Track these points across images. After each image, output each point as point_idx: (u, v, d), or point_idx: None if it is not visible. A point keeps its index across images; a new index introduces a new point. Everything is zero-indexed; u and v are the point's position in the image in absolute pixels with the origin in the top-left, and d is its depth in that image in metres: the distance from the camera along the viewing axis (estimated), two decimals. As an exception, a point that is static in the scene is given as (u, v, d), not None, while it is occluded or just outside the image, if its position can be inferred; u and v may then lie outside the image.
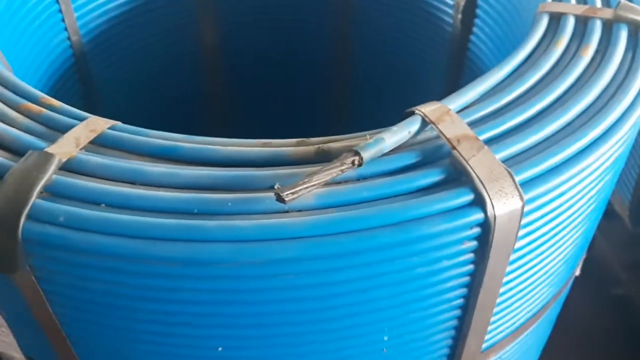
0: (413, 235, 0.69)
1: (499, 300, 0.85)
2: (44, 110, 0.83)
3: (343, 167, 0.70)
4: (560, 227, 0.85)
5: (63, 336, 0.82)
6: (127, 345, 0.82)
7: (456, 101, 0.82)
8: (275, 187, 0.71)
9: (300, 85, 1.96)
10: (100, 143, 0.79)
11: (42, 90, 1.35)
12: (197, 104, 1.93)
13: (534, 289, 0.93)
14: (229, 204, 0.69)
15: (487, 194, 0.71)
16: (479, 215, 0.71)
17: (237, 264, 0.66)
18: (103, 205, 0.70)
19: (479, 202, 0.71)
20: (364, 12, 1.79)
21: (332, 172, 0.68)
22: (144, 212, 0.69)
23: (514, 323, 0.97)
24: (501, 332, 0.96)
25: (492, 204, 0.71)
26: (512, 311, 0.93)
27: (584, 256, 1.15)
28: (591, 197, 0.88)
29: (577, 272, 1.17)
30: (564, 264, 0.98)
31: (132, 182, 0.73)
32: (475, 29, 1.50)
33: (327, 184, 0.69)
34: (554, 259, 0.91)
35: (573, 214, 0.85)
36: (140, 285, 0.70)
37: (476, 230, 0.73)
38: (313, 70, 1.93)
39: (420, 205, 0.69)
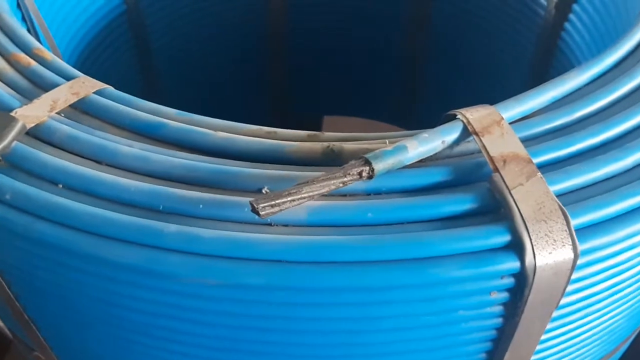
0: (425, 278, 0.54)
1: (534, 358, 0.69)
2: (32, 62, 0.73)
3: (346, 179, 0.55)
4: (625, 284, 0.66)
5: (26, 319, 0.74)
6: (83, 333, 0.72)
7: (513, 108, 0.65)
8: (264, 190, 0.58)
9: (370, 71, 1.80)
10: (80, 108, 0.68)
11: (92, 53, 1.30)
12: (258, 78, 1.81)
13: (581, 348, 0.75)
14: (201, 205, 0.56)
15: (529, 237, 0.54)
16: (513, 264, 0.55)
17: (194, 282, 0.54)
18: (61, 185, 0.59)
19: (516, 247, 0.55)
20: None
21: (330, 183, 0.54)
22: (102, 200, 0.58)
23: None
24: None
25: (533, 251, 0.54)
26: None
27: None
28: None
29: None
30: (626, 321, 0.79)
31: (98, 161, 0.61)
32: (571, 16, 1.28)
33: (328, 195, 0.55)
34: (611, 318, 0.73)
35: (647, 269, 0.67)
36: (86, 282, 0.59)
37: (508, 280, 0.56)
38: (385, 56, 1.76)
39: (440, 239, 0.54)
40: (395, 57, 1.75)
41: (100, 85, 0.70)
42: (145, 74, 1.55)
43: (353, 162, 0.56)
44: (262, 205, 0.51)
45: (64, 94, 0.68)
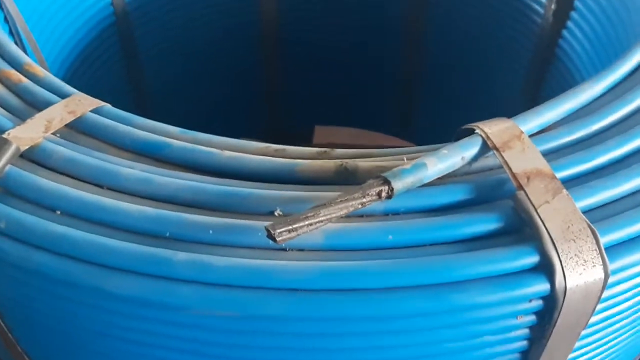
0: (450, 304, 0.51)
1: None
2: (23, 79, 0.69)
3: (365, 200, 0.52)
4: (651, 300, 0.64)
5: (19, 351, 0.69)
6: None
7: (531, 121, 0.62)
8: (276, 213, 0.55)
9: (363, 78, 1.77)
10: (77, 128, 0.64)
11: (82, 65, 1.26)
12: (250, 80, 1.78)
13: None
14: (210, 231, 0.53)
15: (559, 258, 0.52)
16: (543, 286, 0.52)
17: (206, 314, 0.50)
18: (59, 212, 0.56)
19: (545, 268, 0.52)
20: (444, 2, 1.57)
21: (348, 205, 0.51)
22: (104, 227, 0.54)
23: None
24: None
25: (563, 272, 0.52)
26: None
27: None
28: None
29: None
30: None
31: (99, 185, 0.58)
32: (569, 23, 1.27)
33: (342, 217, 0.52)
34: (633, 334, 0.70)
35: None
36: (88, 316, 0.55)
37: (537, 303, 0.54)
38: (378, 62, 1.74)
39: (465, 263, 0.51)
40: (391, 67, 1.73)
41: (97, 102, 0.67)
42: (135, 85, 1.51)
43: (371, 181, 0.53)
44: (278, 230, 0.48)
45: (59, 113, 0.64)
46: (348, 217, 0.53)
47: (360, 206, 0.52)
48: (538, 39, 1.36)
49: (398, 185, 0.53)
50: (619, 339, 0.67)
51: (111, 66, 1.42)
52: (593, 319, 0.58)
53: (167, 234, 0.53)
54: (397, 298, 0.50)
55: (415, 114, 1.85)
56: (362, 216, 0.56)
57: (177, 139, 0.62)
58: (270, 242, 0.51)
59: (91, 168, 0.58)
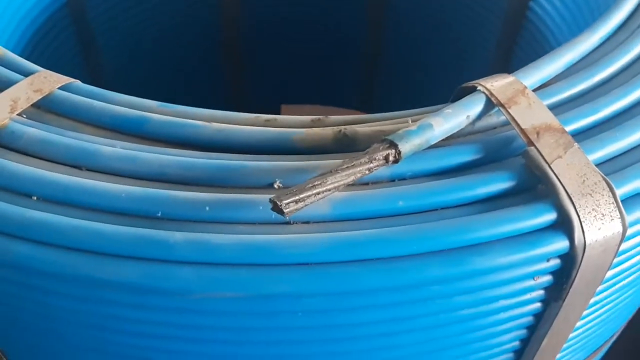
0: (467, 268, 0.48)
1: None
2: (-19, 58, 0.63)
3: (372, 165, 0.48)
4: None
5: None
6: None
7: (533, 76, 0.60)
8: (275, 185, 0.51)
9: (327, 54, 1.73)
10: (46, 107, 0.59)
11: (33, 49, 1.18)
12: (211, 67, 1.72)
13: (605, 324, 0.71)
14: (207, 207, 0.48)
15: (577, 213, 0.49)
16: (561, 244, 0.50)
17: (209, 296, 0.46)
18: (35, 198, 0.50)
19: (563, 225, 0.50)
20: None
21: (355, 171, 0.47)
22: (87, 211, 0.49)
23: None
24: (558, 372, 0.75)
25: (582, 228, 0.49)
26: (575, 350, 0.72)
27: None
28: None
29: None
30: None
31: (77, 166, 0.53)
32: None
33: (348, 185, 0.48)
34: (636, 288, 0.69)
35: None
36: (77, 309, 0.50)
37: (555, 262, 0.51)
38: (342, 37, 1.69)
39: (482, 224, 0.48)
40: (355, 40, 1.69)
41: (65, 79, 0.61)
42: (91, 69, 1.44)
43: (376, 145, 0.50)
44: (285, 201, 0.44)
45: (25, 92, 0.58)
46: (353, 185, 0.50)
47: (367, 172, 0.49)
48: (508, 3, 1.34)
49: (405, 147, 0.50)
50: (625, 294, 0.66)
51: (66, 51, 1.34)
52: (607, 274, 0.56)
53: (159, 214, 0.48)
54: (414, 266, 0.47)
55: (381, 88, 1.82)
56: (367, 184, 0.52)
57: (156, 113, 0.57)
58: (274, 215, 0.48)
59: (67, 148, 0.53)
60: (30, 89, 0.59)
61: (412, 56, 1.67)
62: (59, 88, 0.59)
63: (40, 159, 0.53)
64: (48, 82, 0.60)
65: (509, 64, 1.36)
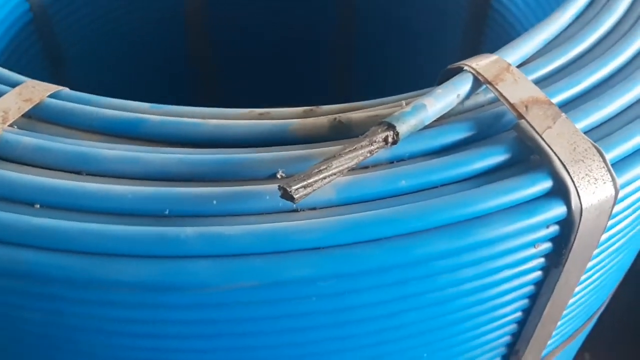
0: (472, 240, 0.49)
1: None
2: (-37, 72, 0.62)
3: (373, 148, 0.50)
4: (645, 215, 0.66)
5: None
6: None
7: (513, 54, 0.62)
8: (278, 175, 0.52)
9: (297, 49, 1.74)
10: (37, 116, 0.58)
11: (2, 66, 1.16)
12: (180, 73, 1.71)
13: (600, 287, 0.74)
14: (214, 201, 0.49)
15: (571, 179, 0.51)
16: (559, 210, 0.52)
17: (226, 288, 0.47)
18: (37, 205, 0.50)
19: (560, 192, 0.52)
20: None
21: (358, 154, 0.49)
22: (93, 215, 0.49)
23: (572, 329, 0.79)
24: (555, 342, 0.78)
25: (577, 193, 0.51)
26: (574, 317, 0.74)
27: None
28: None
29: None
30: (633, 253, 0.79)
31: (77, 172, 0.52)
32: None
33: (350, 169, 0.49)
34: (628, 251, 0.72)
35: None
36: (90, 315, 0.50)
37: (554, 229, 0.53)
38: (312, 37, 1.71)
39: (484, 196, 0.50)
40: (325, 39, 1.70)
41: (54, 87, 0.61)
42: (60, 84, 1.42)
43: (375, 128, 0.51)
44: (294, 187, 0.45)
45: (15, 102, 0.58)
46: (354, 170, 0.51)
47: (368, 154, 0.50)
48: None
49: (403, 128, 0.51)
50: (617, 257, 0.69)
51: (34, 67, 1.32)
52: (602, 238, 0.58)
53: (167, 212, 0.49)
54: (421, 241, 0.48)
55: (353, 84, 1.84)
56: (367, 167, 0.53)
57: (150, 114, 0.58)
58: (281, 204, 0.49)
59: (67, 154, 0.52)
60: (20, 98, 0.58)
61: (383, 54, 1.70)
62: (49, 96, 0.59)
63: (39, 167, 0.53)
64: (37, 91, 0.59)
65: (479, 51, 1.39)
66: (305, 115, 0.58)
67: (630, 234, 0.66)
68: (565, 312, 0.68)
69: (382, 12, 1.60)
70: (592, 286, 0.68)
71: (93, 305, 0.49)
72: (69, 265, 0.46)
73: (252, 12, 1.66)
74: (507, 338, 0.67)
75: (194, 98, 1.77)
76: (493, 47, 1.35)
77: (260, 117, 0.58)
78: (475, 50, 1.43)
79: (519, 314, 0.63)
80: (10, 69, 1.17)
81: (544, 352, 0.77)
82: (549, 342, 0.74)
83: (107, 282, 0.46)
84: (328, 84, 1.84)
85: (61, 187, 0.50)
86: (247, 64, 1.76)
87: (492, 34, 1.35)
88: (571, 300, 0.66)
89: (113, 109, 0.58)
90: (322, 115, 0.58)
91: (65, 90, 0.61)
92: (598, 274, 0.67)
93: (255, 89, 1.82)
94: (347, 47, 1.71)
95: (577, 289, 0.66)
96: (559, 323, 0.70)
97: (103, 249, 0.46)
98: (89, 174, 0.52)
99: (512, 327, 0.65)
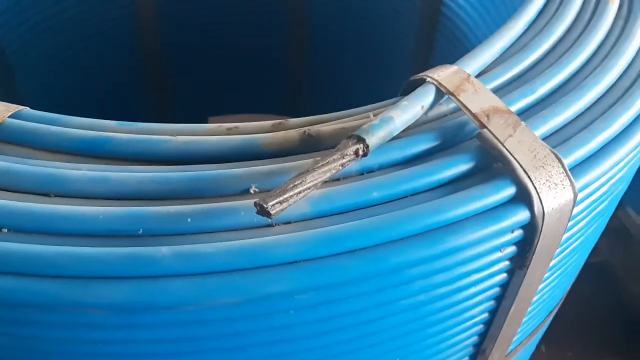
0: (443, 247, 0.51)
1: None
2: None
3: (344, 161, 0.51)
4: (600, 215, 0.69)
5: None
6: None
7: (472, 64, 0.64)
8: (251, 190, 0.52)
9: (250, 61, 1.74)
10: (-1, 138, 0.57)
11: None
12: (133, 90, 1.68)
13: (559, 285, 0.77)
14: (188, 219, 0.49)
15: (533, 185, 0.54)
16: (523, 215, 0.54)
17: (204, 306, 0.47)
18: (5, 230, 0.49)
19: (523, 197, 0.54)
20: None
21: (330, 167, 0.49)
22: (64, 237, 0.48)
23: (534, 325, 0.82)
24: (518, 339, 0.81)
25: (539, 198, 0.54)
26: (535, 314, 0.77)
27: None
28: (627, 174, 0.72)
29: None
30: (588, 251, 0.83)
31: (45, 194, 0.51)
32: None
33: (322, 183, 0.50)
34: (584, 250, 0.76)
35: (613, 198, 0.70)
36: (65, 339, 0.49)
37: (518, 233, 0.55)
38: (264, 45, 1.71)
39: (452, 204, 0.52)
40: (276, 48, 1.71)
41: (14, 107, 0.59)
42: (9, 99, 1.38)
43: (345, 141, 0.52)
44: (271, 203, 0.45)
45: (-27, 124, 0.56)
46: (326, 183, 0.52)
47: (340, 167, 0.51)
48: (422, 1, 1.40)
49: (372, 140, 0.52)
50: (576, 255, 0.72)
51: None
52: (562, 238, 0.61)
53: (140, 231, 0.48)
54: (395, 251, 0.50)
55: (305, 91, 1.85)
56: (339, 180, 0.54)
57: (116, 132, 0.57)
58: (256, 219, 0.49)
59: (33, 176, 0.51)
60: (-21, 120, 0.57)
61: (336, 63, 1.71)
62: (9, 116, 0.58)
63: (4, 190, 0.52)
64: (-4, 111, 0.58)
65: (430, 60, 1.42)
66: (274, 130, 0.59)
67: (587, 233, 0.69)
68: (529, 310, 0.71)
69: (334, 26, 1.62)
70: (552, 284, 0.71)
71: (68, 328, 0.48)
72: (42, 290, 0.45)
73: (205, 15, 1.65)
74: (474, 338, 0.69)
75: (147, 102, 1.75)
76: (446, 54, 1.38)
77: (229, 132, 0.58)
78: (428, 57, 1.46)
79: (485, 315, 0.65)
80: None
81: (509, 349, 0.80)
82: (513, 340, 0.77)
83: (81, 305, 0.45)
84: (280, 92, 1.85)
85: (30, 210, 0.49)
86: (201, 69, 1.75)
87: (444, 41, 1.39)
88: (535, 298, 0.69)
89: (78, 128, 0.57)
90: (291, 129, 0.58)
91: (26, 109, 0.60)
92: (558, 272, 0.70)
93: (209, 94, 1.81)
94: (299, 59, 1.73)
95: (539, 288, 0.69)
96: (522, 321, 0.72)
97: (77, 272, 0.45)
98: (57, 195, 0.51)
99: (480, 327, 0.67)
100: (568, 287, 0.89)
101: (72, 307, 0.45)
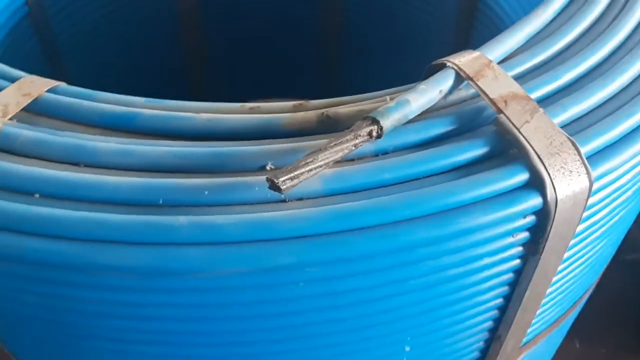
0: (453, 229, 0.52)
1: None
2: (-37, 68, 0.64)
3: (357, 141, 0.52)
4: (622, 206, 0.68)
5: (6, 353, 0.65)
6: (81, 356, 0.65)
7: (496, 50, 0.64)
8: (267, 167, 0.54)
9: (284, 48, 1.76)
10: (36, 110, 0.60)
11: None
12: (172, 70, 1.72)
13: (581, 277, 0.77)
14: (206, 192, 0.51)
15: (547, 172, 0.54)
16: (536, 201, 0.54)
17: (217, 274, 0.49)
18: (37, 195, 0.52)
19: (536, 183, 0.54)
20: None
21: (343, 147, 0.51)
22: (90, 204, 0.51)
23: (554, 316, 0.82)
24: (538, 328, 0.81)
25: (553, 185, 0.54)
26: (554, 304, 0.77)
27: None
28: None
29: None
30: (614, 244, 0.82)
31: (75, 163, 0.55)
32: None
33: (336, 162, 0.51)
34: (607, 242, 0.75)
35: (638, 189, 0.69)
36: (87, 299, 0.53)
37: (531, 219, 0.56)
38: (298, 31, 1.73)
39: (464, 187, 0.52)
40: (311, 31, 1.72)
41: (52, 82, 0.63)
42: (56, 77, 1.44)
43: (360, 122, 0.53)
44: (282, 179, 0.47)
45: (14, 97, 0.60)
46: (340, 162, 0.53)
47: (353, 147, 0.52)
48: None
49: (387, 123, 0.53)
50: (595, 248, 0.71)
51: (31, 61, 1.34)
52: (578, 228, 0.61)
53: (160, 202, 0.51)
54: (404, 230, 0.51)
55: (340, 75, 1.85)
56: (353, 160, 0.56)
57: (145, 108, 0.60)
58: (270, 195, 0.51)
59: (65, 147, 0.55)
60: (19, 93, 0.60)
61: (370, 46, 1.71)
62: (47, 91, 0.61)
63: (38, 159, 0.55)
64: (36, 85, 0.61)
65: (469, 46, 1.41)
66: (294, 110, 0.60)
67: (608, 224, 0.69)
68: (545, 299, 0.71)
69: (370, 17, 1.62)
70: (572, 275, 0.71)
71: (88, 289, 0.51)
72: (67, 251, 0.48)
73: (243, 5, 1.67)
74: (489, 323, 0.69)
75: (188, 88, 1.79)
76: (484, 41, 1.37)
77: (251, 111, 0.60)
78: (466, 44, 1.45)
79: (500, 300, 0.66)
80: (7, 64, 1.20)
81: (527, 338, 0.80)
82: (531, 328, 0.77)
83: (104, 267, 0.48)
84: (312, 71, 1.85)
85: (60, 178, 0.52)
86: (237, 58, 1.78)
87: (482, 28, 1.37)
88: (551, 288, 0.69)
89: (109, 104, 0.60)
90: (311, 110, 0.60)
91: (63, 85, 0.63)
92: (577, 263, 0.70)
93: (245, 80, 1.84)
94: (331, 37, 1.73)
95: (556, 277, 0.68)
96: (540, 309, 0.72)
97: (99, 236, 0.49)
98: (86, 165, 0.55)
99: (494, 313, 0.68)
100: (594, 281, 0.88)
101: (94, 269, 0.49)
